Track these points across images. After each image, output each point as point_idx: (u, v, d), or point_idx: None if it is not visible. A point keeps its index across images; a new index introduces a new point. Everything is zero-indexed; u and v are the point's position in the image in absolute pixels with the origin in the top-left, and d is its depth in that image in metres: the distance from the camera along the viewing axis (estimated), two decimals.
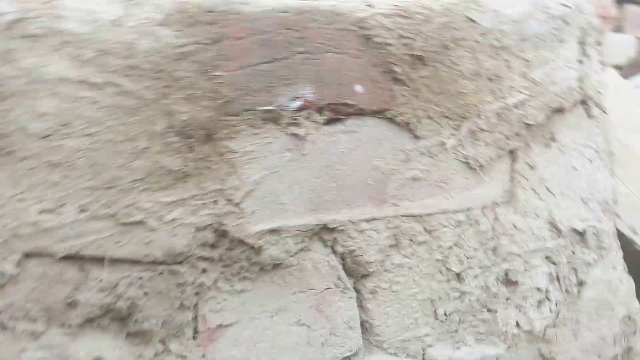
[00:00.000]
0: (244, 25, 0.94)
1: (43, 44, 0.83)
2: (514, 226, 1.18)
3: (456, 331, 1.16)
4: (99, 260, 0.90)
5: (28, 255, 0.86)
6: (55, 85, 0.83)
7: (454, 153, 1.13)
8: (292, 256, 1.03)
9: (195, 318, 0.99)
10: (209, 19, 0.92)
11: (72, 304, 0.89)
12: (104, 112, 0.86)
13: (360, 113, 1.05)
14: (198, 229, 0.95)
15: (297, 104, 0.99)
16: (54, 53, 0.83)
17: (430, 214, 1.12)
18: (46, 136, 0.84)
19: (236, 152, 0.96)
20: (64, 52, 0.84)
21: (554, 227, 1.21)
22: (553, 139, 1.24)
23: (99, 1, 0.86)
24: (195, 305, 0.98)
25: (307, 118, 1.00)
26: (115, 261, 0.91)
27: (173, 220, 0.92)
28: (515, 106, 1.17)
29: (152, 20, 0.89)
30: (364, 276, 1.10)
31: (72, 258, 0.88)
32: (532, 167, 1.21)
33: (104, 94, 0.86)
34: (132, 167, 0.89)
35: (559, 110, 1.24)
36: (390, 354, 1.12)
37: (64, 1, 0.85)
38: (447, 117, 1.11)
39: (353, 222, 1.06)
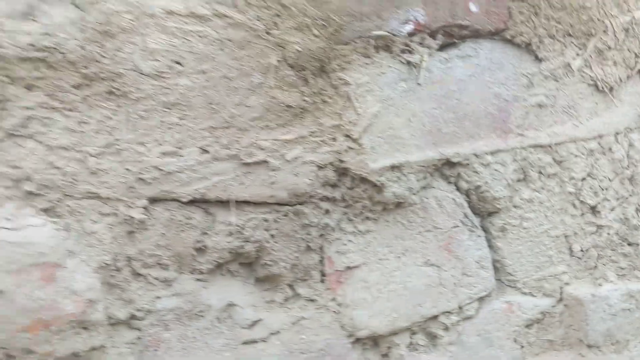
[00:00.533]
0: None
1: None
2: None
3: (595, 267, 0.93)
4: (224, 203, 0.75)
5: (154, 201, 0.72)
6: (164, 20, 0.69)
7: (581, 75, 0.89)
8: (415, 194, 0.83)
9: (321, 260, 0.82)
10: None
11: (201, 250, 0.75)
12: (215, 47, 0.71)
13: (476, 35, 0.84)
14: (319, 168, 0.77)
15: (408, 27, 0.79)
16: None
17: (559, 143, 0.89)
18: (159, 74, 0.70)
19: (350, 84, 0.78)
20: None
21: None
22: None
23: None
24: (321, 248, 0.81)
25: (420, 43, 0.81)
26: (241, 203, 0.75)
27: (295, 158, 0.76)
28: None
29: None
30: (492, 213, 0.89)
31: (197, 202, 0.74)
32: None
33: (213, 27, 0.71)
34: (249, 104, 0.73)
35: None
36: (525, 293, 0.91)
37: None
38: (570, 35, 0.87)
39: (477, 156, 0.85)
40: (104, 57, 0.67)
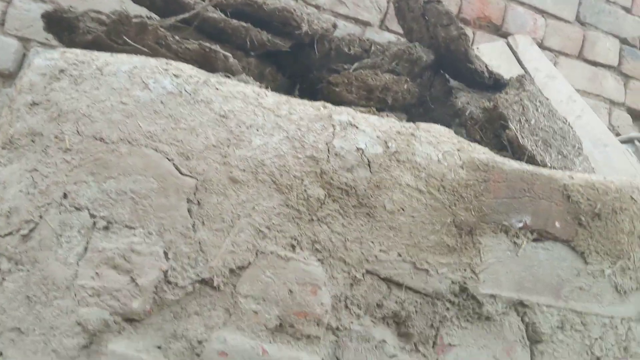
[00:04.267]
0: (501, 175, 1.54)
1: (404, 165, 1.48)
2: None
3: None
4: (399, 285, 1.48)
5: (367, 272, 1.46)
6: (404, 187, 1.47)
7: (609, 279, 1.61)
8: (498, 315, 1.54)
9: (436, 335, 1.52)
10: (484, 168, 1.53)
11: (379, 305, 1.47)
12: (423, 206, 1.48)
13: (555, 239, 1.59)
14: (453, 282, 1.50)
15: (520, 225, 1.55)
16: (407, 171, 1.48)
17: (587, 314, 1.60)
18: (392, 212, 1.46)
19: (482, 244, 1.52)
20: (412, 171, 1.48)
21: None
22: None
23: (433, 148, 1.51)
24: (438, 328, 1.52)
25: (524, 235, 1.56)
26: (407, 288, 1.48)
27: (442, 273, 1.49)
28: None
29: (456, 164, 1.51)
30: (537, 342, 1.59)
31: (386, 279, 1.47)
32: None
33: (425, 197, 1.48)
34: (429, 238, 1.48)
35: None
36: None
37: (416, 145, 1.50)
38: (608, 254, 1.61)
39: (538, 305, 1.56)
40: (372, 197, 1.44)
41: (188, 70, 1.48)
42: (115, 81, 1.39)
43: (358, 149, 1.45)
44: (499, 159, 1.57)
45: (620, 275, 1.62)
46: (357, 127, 1.48)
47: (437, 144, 1.54)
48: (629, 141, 2.71)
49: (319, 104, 1.59)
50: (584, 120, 2.63)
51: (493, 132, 2.18)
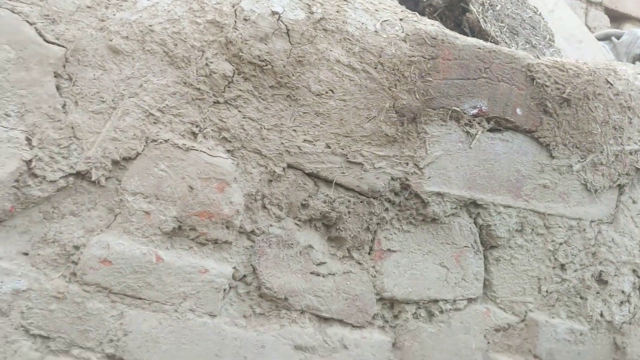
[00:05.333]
0: (452, 52, 1.28)
1: (333, 36, 1.20)
2: (612, 240, 1.41)
3: (553, 306, 1.39)
4: (328, 182, 1.24)
5: (289, 166, 1.22)
6: (333, 64, 1.20)
7: (577, 175, 1.39)
8: (446, 216, 1.32)
9: (373, 240, 1.30)
10: (432, 43, 1.26)
11: (304, 205, 1.24)
12: (356, 88, 1.22)
13: (516, 129, 1.34)
14: (392, 179, 1.27)
15: (474, 111, 1.30)
16: (337, 44, 1.21)
17: (551, 215, 1.38)
18: (319, 94, 1.21)
19: (428, 134, 1.28)
20: (343, 44, 1.21)
21: None
22: None
23: (370, 16, 1.23)
24: (375, 231, 1.30)
25: (479, 123, 1.31)
26: (338, 185, 1.25)
27: (379, 168, 1.26)
28: (630, 153, 1.41)
29: (397, 36, 1.24)
30: (493, 247, 1.38)
31: (313, 175, 1.23)
32: (634, 202, 1.44)
33: (359, 76, 1.22)
34: (364, 127, 1.24)
35: None
36: (500, 308, 1.37)
37: (348, 12, 1.23)
38: (577, 147, 1.38)
39: (494, 205, 1.34)
40: (293, 75, 1.18)
41: None
42: None
43: (273, 13, 1.17)
44: (450, 32, 1.29)
45: (590, 172, 1.40)
46: None
47: (375, 12, 1.26)
48: (605, 38, 2.43)
49: None
50: (557, 14, 2.34)
51: (454, 21, 1.90)
